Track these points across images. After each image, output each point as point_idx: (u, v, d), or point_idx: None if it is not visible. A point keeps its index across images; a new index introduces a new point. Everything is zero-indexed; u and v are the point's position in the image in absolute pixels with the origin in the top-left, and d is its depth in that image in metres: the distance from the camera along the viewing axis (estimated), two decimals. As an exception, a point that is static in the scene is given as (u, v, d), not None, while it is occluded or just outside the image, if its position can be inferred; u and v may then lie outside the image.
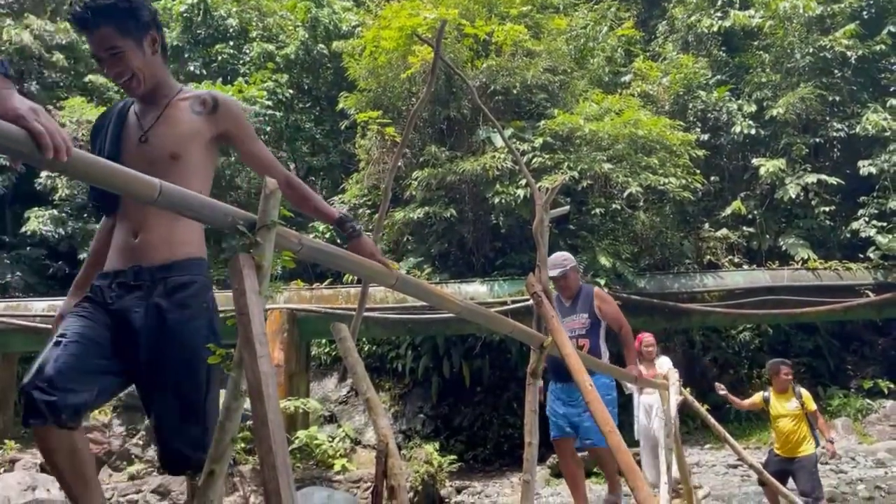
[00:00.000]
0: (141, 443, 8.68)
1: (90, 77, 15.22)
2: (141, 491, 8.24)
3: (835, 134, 14.45)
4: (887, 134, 13.41)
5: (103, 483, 8.28)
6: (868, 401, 13.01)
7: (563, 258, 5.46)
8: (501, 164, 11.90)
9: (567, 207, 6.58)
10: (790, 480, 6.55)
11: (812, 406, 6.52)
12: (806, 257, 12.86)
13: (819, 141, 14.74)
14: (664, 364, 7.35)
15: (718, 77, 15.96)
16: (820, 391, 13.64)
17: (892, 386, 13.30)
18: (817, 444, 6.48)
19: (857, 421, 12.65)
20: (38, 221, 13.39)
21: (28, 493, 7.68)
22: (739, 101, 15.21)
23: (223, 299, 2.75)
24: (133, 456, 8.55)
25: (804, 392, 6.64)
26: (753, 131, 14.49)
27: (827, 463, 10.49)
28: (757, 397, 6.95)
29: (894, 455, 10.74)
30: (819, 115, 14.49)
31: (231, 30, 16.47)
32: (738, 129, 14.54)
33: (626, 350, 5.37)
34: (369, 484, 8.31)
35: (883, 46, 14.59)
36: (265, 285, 1.73)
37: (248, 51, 16.25)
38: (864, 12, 15.43)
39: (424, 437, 12.35)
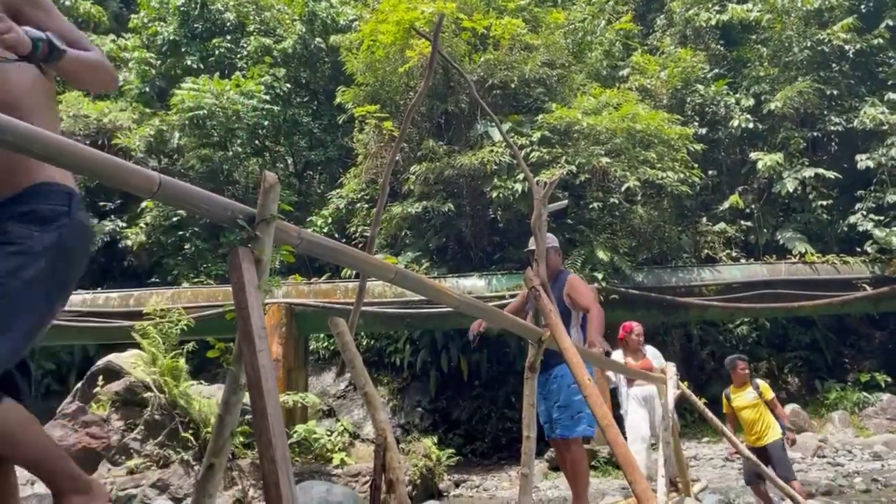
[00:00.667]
0: (140, 437, 8.68)
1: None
2: (140, 485, 8.24)
3: (832, 128, 14.45)
4: (885, 128, 13.43)
5: (102, 478, 8.29)
6: (865, 394, 13.07)
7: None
8: (499, 158, 11.90)
9: (565, 202, 6.55)
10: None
11: (769, 394, 6.80)
12: (803, 251, 12.88)
13: (817, 135, 14.75)
14: (652, 354, 7.22)
15: (716, 71, 15.97)
16: (817, 384, 13.70)
17: (888, 379, 13.34)
18: (782, 430, 6.72)
19: (854, 414, 12.71)
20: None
21: (27, 487, 7.67)
22: (737, 95, 15.22)
23: (224, 294, 2.73)
24: (132, 450, 8.55)
25: (761, 382, 6.97)
26: (751, 125, 14.50)
27: (824, 456, 10.56)
28: (725, 406, 7.11)
29: (891, 448, 10.78)
30: (817, 109, 14.50)
31: (228, 24, 16.44)
32: (735, 123, 14.55)
33: (588, 326, 5.03)
34: (368, 478, 8.33)
35: (881, 40, 14.59)
36: (264, 280, 1.73)
37: (245, 45, 16.22)
38: (862, 6, 15.42)
39: (423, 431, 12.38)
